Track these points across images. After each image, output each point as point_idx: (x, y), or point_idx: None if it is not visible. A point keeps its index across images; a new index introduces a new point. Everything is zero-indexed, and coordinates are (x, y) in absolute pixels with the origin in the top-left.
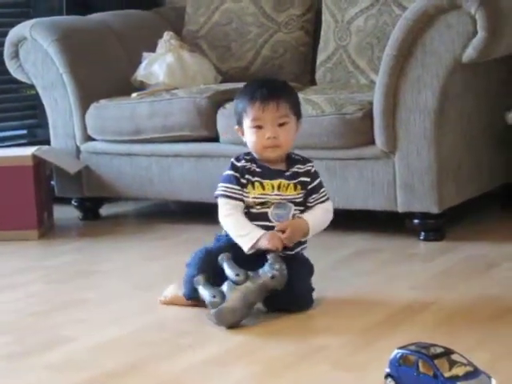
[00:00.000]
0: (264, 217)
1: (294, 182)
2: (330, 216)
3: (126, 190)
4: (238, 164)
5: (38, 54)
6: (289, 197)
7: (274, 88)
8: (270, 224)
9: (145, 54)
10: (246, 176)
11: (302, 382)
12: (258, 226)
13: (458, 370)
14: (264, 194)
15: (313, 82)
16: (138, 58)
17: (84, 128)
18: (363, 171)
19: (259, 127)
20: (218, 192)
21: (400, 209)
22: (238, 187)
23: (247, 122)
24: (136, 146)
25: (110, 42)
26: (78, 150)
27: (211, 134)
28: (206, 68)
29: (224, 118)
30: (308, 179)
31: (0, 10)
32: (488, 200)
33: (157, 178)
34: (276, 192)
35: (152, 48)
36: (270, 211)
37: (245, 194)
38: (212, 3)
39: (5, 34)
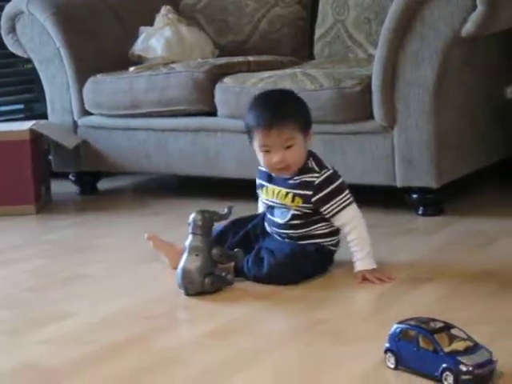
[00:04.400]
0: (271, 211)
1: (294, 192)
2: (361, 220)
3: (124, 164)
4: (261, 169)
5: (34, 28)
6: (287, 206)
7: (278, 110)
8: (272, 218)
9: (142, 28)
10: (260, 181)
11: (302, 355)
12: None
13: (458, 345)
14: (268, 200)
15: (311, 57)
16: (135, 33)
17: (81, 102)
18: (362, 146)
19: (267, 151)
20: None
21: (399, 183)
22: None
23: (256, 145)
24: (133, 120)
25: (108, 16)
26: (76, 125)
27: (208, 108)
28: (204, 42)
29: (221, 92)
30: (309, 192)
31: None
32: (487, 174)
33: (154, 152)
34: (275, 199)
35: (149, 22)
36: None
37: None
38: None
39: (1, 9)
